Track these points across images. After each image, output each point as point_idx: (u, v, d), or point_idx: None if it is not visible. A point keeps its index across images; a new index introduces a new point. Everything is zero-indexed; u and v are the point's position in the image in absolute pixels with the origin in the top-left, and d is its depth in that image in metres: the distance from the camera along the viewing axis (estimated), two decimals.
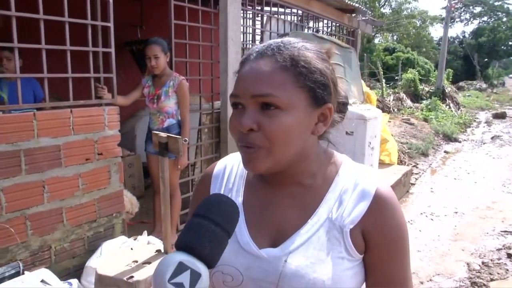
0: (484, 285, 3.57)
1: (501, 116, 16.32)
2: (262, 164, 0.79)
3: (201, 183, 0.99)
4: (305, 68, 0.77)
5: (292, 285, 0.79)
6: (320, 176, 0.86)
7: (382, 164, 6.50)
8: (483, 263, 4.01)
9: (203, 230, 0.66)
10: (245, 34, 5.74)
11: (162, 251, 2.34)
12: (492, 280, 3.63)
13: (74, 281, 2.49)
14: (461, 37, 43.24)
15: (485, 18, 39.85)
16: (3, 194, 2.36)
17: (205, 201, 0.71)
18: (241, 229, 0.86)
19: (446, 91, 16.92)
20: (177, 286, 0.61)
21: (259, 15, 4.96)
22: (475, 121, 15.41)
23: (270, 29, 5.13)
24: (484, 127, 14.36)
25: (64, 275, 2.65)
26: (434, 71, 21.07)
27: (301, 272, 0.79)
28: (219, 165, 0.98)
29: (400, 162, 7.59)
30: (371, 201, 0.81)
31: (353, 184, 0.84)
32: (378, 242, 0.81)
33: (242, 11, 4.73)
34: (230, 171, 0.95)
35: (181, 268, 0.62)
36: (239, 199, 0.90)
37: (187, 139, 3.49)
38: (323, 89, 0.79)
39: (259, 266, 0.82)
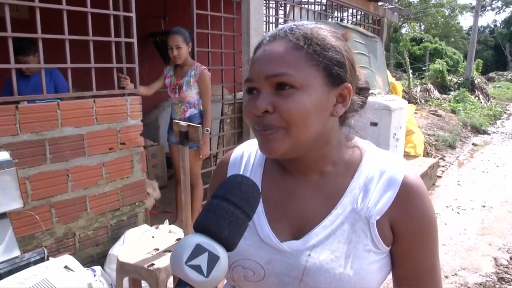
0: None
1: None
2: (280, 146, 0.75)
3: (218, 171, 0.97)
4: (318, 46, 0.75)
5: (316, 280, 0.76)
6: (343, 163, 0.82)
7: (407, 156, 6.38)
8: (511, 258, 3.91)
9: (222, 212, 0.64)
10: (267, 24, 5.71)
11: None
12: None
13: (98, 268, 2.53)
14: (492, 26, 41.96)
15: None
16: (29, 182, 2.42)
17: (224, 182, 0.69)
18: (261, 221, 0.83)
19: (475, 82, 16.45)
20: (194, 268, 0.60)
21: (282, 4, 4.90)
22: (505, 113, 14.95)
23: (293, 18, 5.07)
24: None
25: (87, 262, 2.71)
26: (463, 61, 20.50)
27: (325, 266, 0.76)
28: (236, 152, 0.95)
29: (427, 154, 7.44)
30: (399, 189, 0.77)
31: (379, 172, 0.80)
32: (407, 232, 0.78)
33: (264, 0, 4.69)
34: (247, 158, 0.92)
35: (198, 250, 0.61)
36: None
37: (208, 129, 3.50)
38: (339, 67, 0.76)
39: (281, 260, 0.79)
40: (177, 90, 3.52)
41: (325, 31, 0.78)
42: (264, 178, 0.88)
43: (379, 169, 0.80)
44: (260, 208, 0.84)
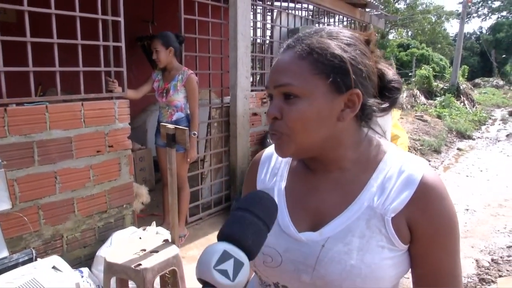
0: (492, 281, 3.57)
1: None
2: (286, 150, 0.83)
3: (250, 170, 1.05)
4: (321, 55, 0.79)
5: (328, 269, 0.80)
6: (363, 162, 0.86)
7: None
8: (492, 260, 3.99)
9: (247, 222, 0.70)
10: (255, 29, 5.78)
11: (170, 241, 2.40)
12: (500, 276, 3.63)
13: (85, 270, 2.56)
14: (478, 32, 42.58)
15: (504, 13, 39.11)
16: (17, 184, 2.45)
17: (248, 196, 0.75)
18: (282, 213, 0.89)
19: (461, 88, 16.72)
20: (222, 272, 0.64)
21: (270, 10, 4.98)
22: (490, 118, 15.21)
23: (281, 24, 5.16)
24: (499, 124, 14.16)
25: (75, 264, 2.73)
26: (449, 67, 20.82)
27: (337, 258, 0.80)
28: (267, 151, 1.03)
29: None
30: (416, 188, 0.79)
31: (397, 171, 0.82)
32: (425, 232, 0.79)
33: (252, 6, 4.77)
34: (276, 157, 0.99)
35: (225, 256, 0.65)
36: (282, 184, 0.94)
37: (196, 132, 3.55)
38: (343, 75, 0.79)
39: (297, 249, 0.84)
40: (165, 94, 3.57)
41: (332, 39, 0.81)
42: (289, 174, 0.95)
43: (398, 168, 0.83)
44: (283, 200, 0.91)
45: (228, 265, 0.65)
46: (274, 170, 0.98)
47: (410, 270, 0.86)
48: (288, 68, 0.80)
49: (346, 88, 0.80)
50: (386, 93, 0.87)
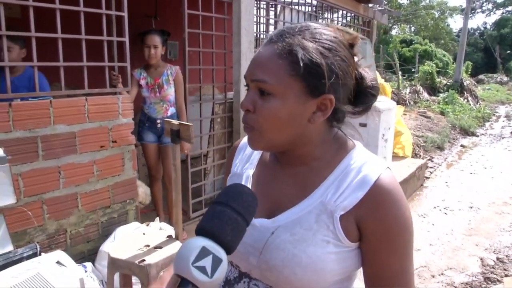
0: (498, 280, 3.57)
1: None
2: (257, 143, 0.86)
3: (229, 154, 1.10)
4: (299, 58, 0.79)
5: (272, 255, 0.84)
6: (326, 160, 0.89)
7: (396, 157, 6.49)
8: (497, 258, 4.00)
9: (226, 218, 0.70)
10: (258, 24, 5.77)
11: (173, 236, 2.41)
12: (506, 276, 3.63)
13: (88, 265, 2.58)
14: (482, 28, 42.45)
15: (509, 8, 38.92)
16: (21, 179, 2.46)
17: (227, 190, 0.76)
18: None
19: (465, 84, 16.69)
20: (200, 269, 0.64)
21: (273, 5, 4.97)
22: (494, 115, 15.21)
23: (284, 19, 5.15)
24: (503, 121, 14.17)
25: (78, 259, 2.75)
26: (453, 63, 20.77)
27: (282, 245, 0.83)
28: (245, 139, 1.05)
29: (415, 155, 7.57)
30: (369, 189, 0.81)
31: (356, 170, 0.84)
32: (373, 232, 0.82)
33: (255, 1, 4.76)
34: None
35: (204, 252, 0.66)
36: (251, 171, 0.99)
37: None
38: (318, 80, 0.80)
39: (250, 233, 0.86)
40: (157, 89, 3.62)
41: (313, 42, 0.81)
42: (259, 163, 1.00)
43: (357, 168, 0.85)
44: (248, 186, 0.95)
45: (207, 262, 0.65)
46: (247, 157, 1.03)
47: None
48: (266, 64, 0.81)
49: (319, 92, 0.81)
50: (362, 98, 0.89)
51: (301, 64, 0.79)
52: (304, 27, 0.84)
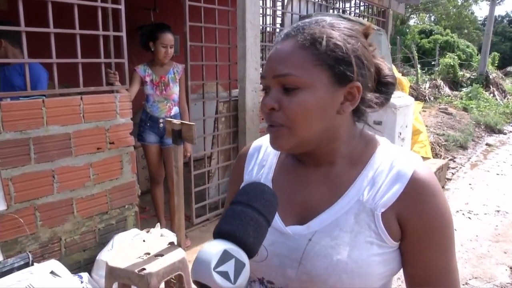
0: None
1: None
2: (285, 143, 0.85)
3: (237, 162, 1.08)
4: (324, 46, 0.81)
5: (314, 263, 0.83)
6: (354, 157, 0.90)
7: None
8: None
9: (248, 218, 0.69)
10: (264, 17, 5.76)
11: (175, 243, 2.41)
12: None
13: (85, 275, 2.58)
14: (511, 15, 42.00)
15: None
16: (12, 184, 2.47)
17: (247, 189, 0.75)
18: None
19: (490, 77, 16.55)
20: (222, 275, 0.63)
21: None
22: None
23: (292, 10, 5.14)
24: None
25: (74, 269, 2.76)
26: (477, 55, 20.61)
27: (324, 252, 0.83)
28: (255, 143, 1.06)
29: (436, 155, 7.51)
30: (407, 184, 0.82)
31: (388, 166, 0.86)
32: (414, 228, 0.82)
33: None
34: (265, 149, 1.03)
35: (226, 256, 0.64)
36: (270, 176, 0.98)
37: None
38: (346, 67, 0.82)
39: (284, 243, 0.87)
40: (163, 87, 3.64)
41: (335, 30, 0.84)
42: (277, 167, 0.99)
43: (389, 163, 0.86)
44: None
45: (229, 266, 0.64)
46: (262, 162, 1.02)
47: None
48: (288, 58, 0.82)
49: (347, 80, 0.83)
50: (382, 88, 0.91)
51: (328, 52, 0.81)
52: (319, 19, 0.86)
